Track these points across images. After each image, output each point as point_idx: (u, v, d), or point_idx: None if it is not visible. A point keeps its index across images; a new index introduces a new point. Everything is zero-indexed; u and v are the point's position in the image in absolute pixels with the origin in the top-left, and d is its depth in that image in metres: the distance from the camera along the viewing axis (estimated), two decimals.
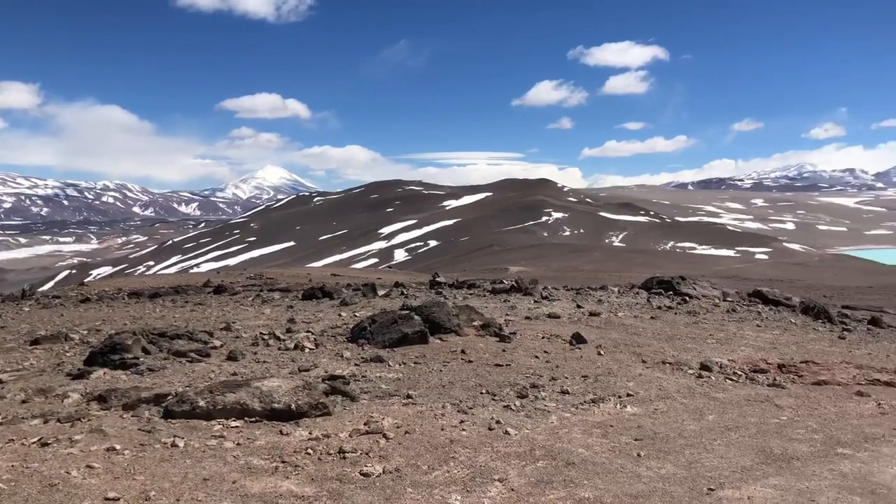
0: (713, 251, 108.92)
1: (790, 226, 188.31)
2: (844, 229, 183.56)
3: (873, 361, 8.86)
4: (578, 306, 11.80)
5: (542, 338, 8.89)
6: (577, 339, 8.68)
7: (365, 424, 5.26)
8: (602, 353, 8.24)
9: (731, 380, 7.36)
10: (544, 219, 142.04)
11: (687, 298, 13.17)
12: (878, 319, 13.16)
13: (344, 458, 4.66)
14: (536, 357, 7.80)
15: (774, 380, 7.39)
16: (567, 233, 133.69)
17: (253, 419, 5.28)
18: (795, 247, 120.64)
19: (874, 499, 4.40)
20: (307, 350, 7.66)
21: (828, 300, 26.04)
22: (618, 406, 6.19)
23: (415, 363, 7.25)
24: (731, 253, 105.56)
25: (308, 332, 8.41)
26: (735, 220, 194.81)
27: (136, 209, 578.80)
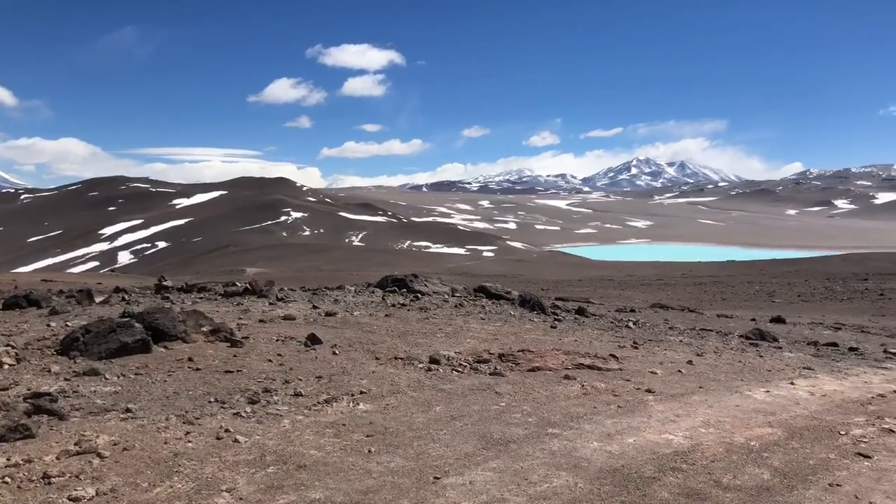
0: (446, 249, 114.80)
1: (512, 225, 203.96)
2: (558, 228, 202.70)
3: (579, 347, 9.86)
4: (315, 307, 11.78)
5: (277, 340, 8.74)
6: (313, 340, 8.65)
7: (76, 444, 4.79)
8: (337, 352, 8.29)
9: (458, 371, 7.78)
10: (283, 218, 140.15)
11: (419, 295, 13.72)
12: (584, 309, 14.70)
13: (49, 483, 4.21)
14: (270, 361, 7.65)
15: (495, 369, 7.94)
16: (307, 233, 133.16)
17: None
18: (517, 244, 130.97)
19: (577, 471, 4.89)
20: (6, 366, 6.81)
21: (544, 293, 28.59)
22: (351, 404, 6.26)
23: (135, 374, 6.75)
24: (461, 251, 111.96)
25: (8, 345, 7.49)
26: (465, 220, 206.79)
27: None
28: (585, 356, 8.89)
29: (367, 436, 5.42)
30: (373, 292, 14.27)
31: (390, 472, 4.69)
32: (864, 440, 5.97)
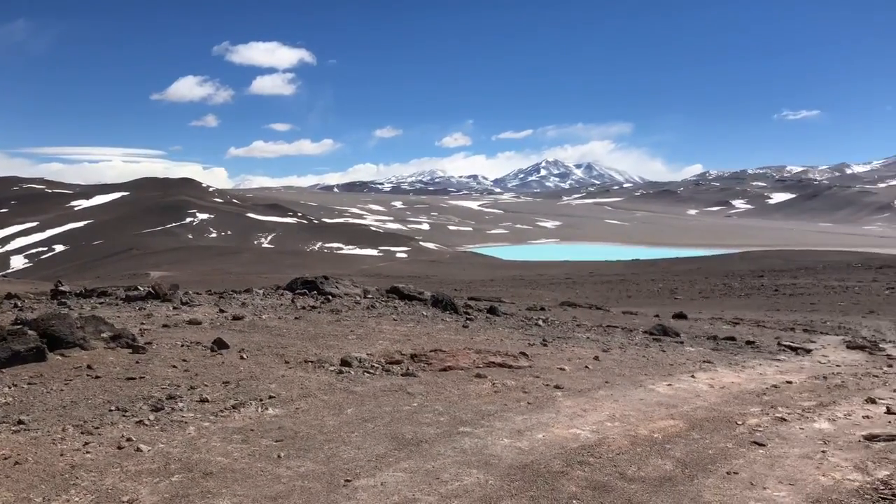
0: (358, 251, 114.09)
1: (426, 226, 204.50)
2: (470, 229, 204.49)
3: (490, 346, 9.97)
4: (221, 311, 11.49)
5: (182, 346, 8.47)
6: (219, 344, 8.43)
7: None
8: (245, 357, 8.10)
9: (370, 373, 7.73)
10: (189, 220, 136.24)
11: (330, 297, 13.57)
12: (496, 308, 14.87)
13: None
14: (174, 367, 7.41)
15: (408, 369, 7.94)
16: (214, 234, 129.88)
17: None
18: (430, 245, 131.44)
19: (488, 468, 4.94)
20: None
21: (457, 293, 28.79)
22: (259, 409, 6.14)
23: (29, 384, 6.42)
24: (374, 252, 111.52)
25: None
26: (377, 221, 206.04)
27: None
28: (496, 354, 8.99)
29: (277, 441, 5.32)
30: (282, 295, 14.03)
31: (300, 477, 4.62)
32: (759, 429, 6.27)
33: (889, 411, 7.07)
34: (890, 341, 16.16)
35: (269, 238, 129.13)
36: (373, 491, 4.45)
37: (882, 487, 4.72)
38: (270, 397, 6.51)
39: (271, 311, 11.81)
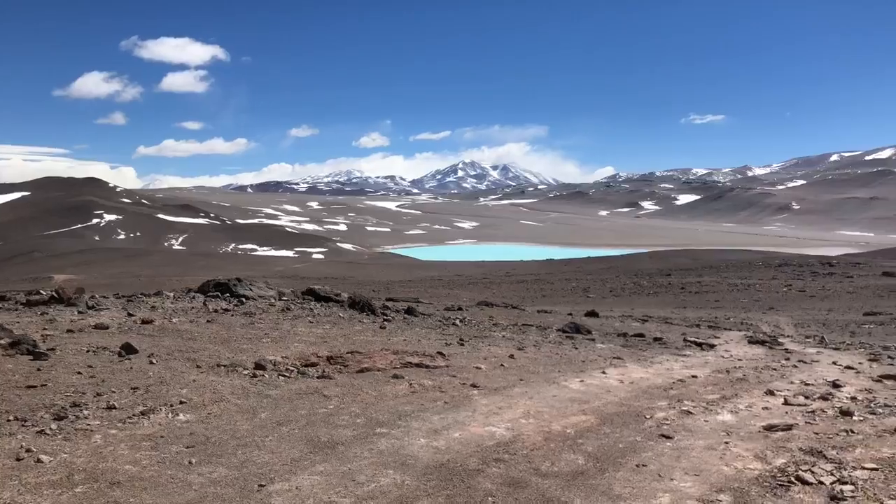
0: (274, 252, 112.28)
1: (343, 227, 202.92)
2: (388, 230, 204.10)
3: (407, 346, 9.99)
4: (130, 314, 11.11)
5: (87, 351, 8.15)
6: (128, 349, 8.15)
7: None
8: (154, 361, 7.86)
9: (284, 376, 7.62)
10: (95, 221, 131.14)
11: (244, 300, 13.31)
12: (413, 309, 14.91)
13: None
14: (79, 373, 7.12)
15: (324, 372, 7.87)
16: (122, 236, 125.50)
17: None
18: (348, 246, 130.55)
19: (404, 469, 4.95)
20: None
21: (375, 294, 28.72)
22: (170, 415, 5.97)
23: None
24: (290, 253, 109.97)
25: None
26: (293, 221, 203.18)
27: None
28: (414, 355, 9.02)
29: (188, 447, 5.19)
30: (193, 298, 13.67)
31: (212, 483, 4.52)
32: (667, 422, 6.49)
33: (786, 402, 7.44)
34: (788, 336, 17.00)
35: (181, 239, 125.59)
36: (287, 495, 4.39)
37: (779, 475, 4.96)
38: (181, 402, 6.33)
39: (182, 315, 11.50)
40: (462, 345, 10.74)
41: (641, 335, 13.76)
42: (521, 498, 4.51)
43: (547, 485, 4.74)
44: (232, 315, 11.86)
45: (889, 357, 12.24)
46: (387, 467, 4.96)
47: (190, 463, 4.85)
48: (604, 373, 9.11)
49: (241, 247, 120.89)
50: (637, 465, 5.18)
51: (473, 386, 7.72)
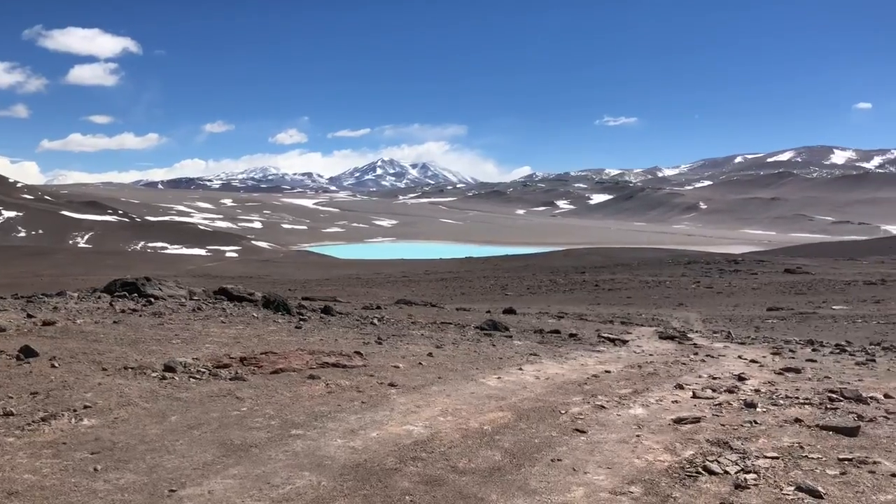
0: (185, 250, 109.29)
1: (258, 224, 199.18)
2: (305, 228, 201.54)
3: (324, 346, 9.86)
4: (30, 316, 10.58)
5: None
6: (27, 352, 7.75)
7: None
8: (57, 365, 7.50)
9: (196, 378, 7.40)
10: None
11: (153, 300, 12.87)
12: (330, 308, 14.74)
13: None
14: None
15: (236, 373, 7.67)
16: (23, 234, 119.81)
17: None
18: (263, 244, 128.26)
19: (321, 470, 4.87)
20: None
21: (291, 293, 28.26)
22: (73, 421, 5.70)
23: None
24: (202, 252, 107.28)
25: None
26: (206, 219, 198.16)
27: None
28: (330, 355, 8.91)
29: (93, 453, 4.96)
30: (99, 298, 13.14)
31: (119, 490, 4.34)
32: (581, 417, 6.62)
33: (695, 396, 7.70)
34: (697, 331, 17.64)
35: (87, 237, 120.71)
36: (199, 500, 4.26)
37: (688, 465, 5.13)
38: (86, 407, 6.06)
39: (87, 316, 11.03)
40: (380, 344, 10.68)
41: (557, 331, 14.01)
42: (438, 496, 4.50)
43: (464, 482, 4.75)
44: (140, 315, 11.45)
45: (790, 351, 12.85)
46: (302, 469, 4.87)
47: (95, 470, 4.65)
48: (521, 369, 9.22)
49: (150, 245, 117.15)
50: (552, 460, 5.26)
51: (391, 385, 7.68)
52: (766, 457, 5.28)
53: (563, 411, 6.83)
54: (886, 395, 7.72)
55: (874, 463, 5.11)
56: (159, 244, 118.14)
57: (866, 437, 5.87)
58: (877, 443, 5.70)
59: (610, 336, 13.65)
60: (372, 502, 4.37)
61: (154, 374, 7.40)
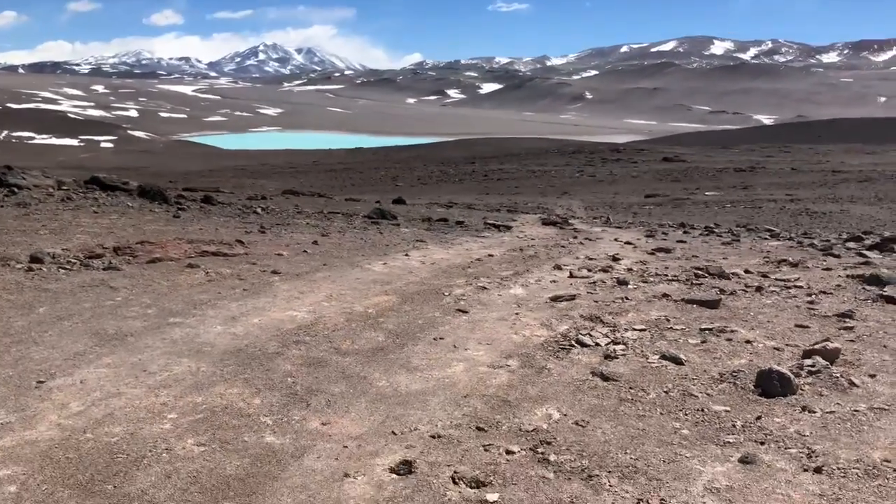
0: (55, 140, 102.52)
1: (133, 113, 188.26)
2: (185, 116, 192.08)
3: (203, 235, 9.58)
4: None
5: None
6: None
7: None
8: None
9: (65, 269, 7.06)
10: None
11: (16, 189, 12.05)
12: (211, 198, 14.28)
13: None
14: None
15: (110, 263, 7.37)
16: None
17: None
18: (140, 134, 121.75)
19: (200, 356, 4.80)
20: None
21: (172, 185, 27.17)
22: None
23: None
24: (74, 142, 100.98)
25: None
26: (76, 107, 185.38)
27: None
28: (210, 244, 8.67)
29: None
30: None
31: None
32: (463, 298, 6.78)
33: (571, 275, 8.01)
34: (578, 217, 18.24)
35: None
36: (70, 390, 4.12)
37: (562, 339, 5.36)
38: None
39: None
40: (263, 233, 10.48)
41: (445, 220, 14.14)
42: (321, 376, 4.54)
43: (347, 362, 4.80)
44: (3, 206, 10.73)
45: (663, 233, 13.51)
46: (181, 356, 4.79)
47: None
48: (406, 255, 9.29)
49: (14, 135, 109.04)
50: (434, 339, 5.38)
51: (274, 272, 7.59)
52: (634, 329, 5.58)
53: (446, 293, 6.97)
54: (746, 271, 8.27)
55: (731, 332, 5.50)
56: (25, 134, 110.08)
57: (726, 309, 6.30)
58: (735, 313, 6.14)
59: (495, 223, 13.91)
60: (253, 385, 4.36)
61: (19, 266, 7.00)
